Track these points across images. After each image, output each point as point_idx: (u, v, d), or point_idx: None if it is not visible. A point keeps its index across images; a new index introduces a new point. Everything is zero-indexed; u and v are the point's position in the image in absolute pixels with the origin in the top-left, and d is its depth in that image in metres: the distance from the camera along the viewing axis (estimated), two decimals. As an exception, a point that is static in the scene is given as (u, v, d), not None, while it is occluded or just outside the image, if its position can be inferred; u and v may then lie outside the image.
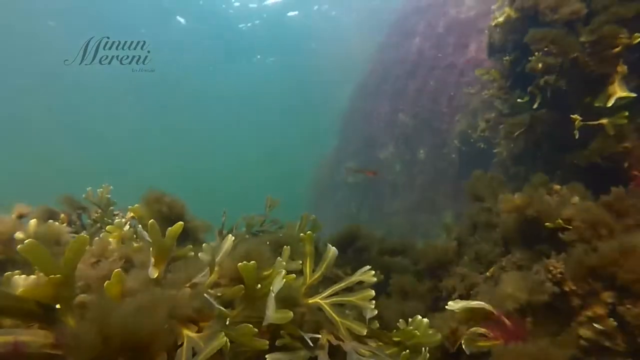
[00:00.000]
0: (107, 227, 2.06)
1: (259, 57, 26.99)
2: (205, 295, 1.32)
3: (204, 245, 1.47)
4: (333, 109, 17.19)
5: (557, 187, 2.67)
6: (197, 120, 34.13)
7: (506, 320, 1.52)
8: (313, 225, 2.78)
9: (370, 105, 12.89)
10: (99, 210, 2.49)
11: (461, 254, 2.82)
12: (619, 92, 2.84)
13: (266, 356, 1.27)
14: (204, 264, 1.51)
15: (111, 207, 2.51)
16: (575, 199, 2.32)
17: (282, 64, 27.15)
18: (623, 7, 2.90)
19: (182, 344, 1.21)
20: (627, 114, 2.83)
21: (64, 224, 2.24)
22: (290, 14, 23.10)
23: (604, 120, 2.92)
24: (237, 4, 21.71)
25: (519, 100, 3.78)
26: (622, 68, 2.88)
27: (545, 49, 3.28)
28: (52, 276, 0.96)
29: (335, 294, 1.56)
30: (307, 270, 1.63)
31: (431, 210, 8.79)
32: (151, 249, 1.41)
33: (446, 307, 1.55)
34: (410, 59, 11.19)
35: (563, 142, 3.49)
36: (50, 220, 2.28)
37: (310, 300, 1.54)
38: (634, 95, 2.82)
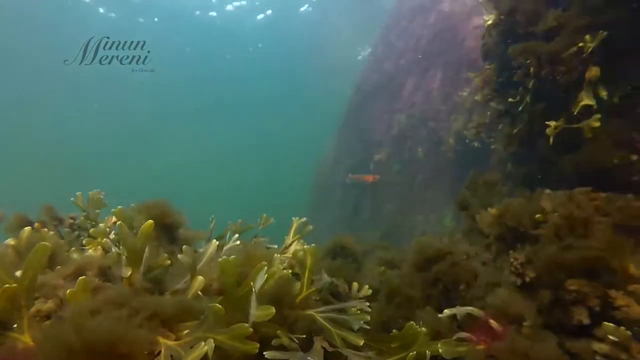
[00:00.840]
0: (91, 231, 1.99)
1: (251, 50, 26.73)
2: (187, 299, 1.26)
3: (184, 247, 1.38)
4: (331, 110, 17.18)
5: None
6: (195, 124, 34.17)
7: (494, 323, 1.45)
8: (302, 229, 2.72)
9: (367, 105, 12.86)
10: (82, 215, 2.42)
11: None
12: (584, 99, 2.90)
13: (264, 353, 1.21)
14: (184, 269, 1.44)
15: (97, 210, 2.44)
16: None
17: (277, 65, 27.18)
18: (583, 19, 2.96)
19: (159, 353, 1.15)
20: (599, 116, 2.85)
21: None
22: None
23: (582, 124, 2.94)
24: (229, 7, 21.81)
25: (510, 100, 3.76)
26: (591, 73, 2.88)
27: (527, 62, 3.33)
28: (7, 286, 0.89)
29: (330, 311, 1.51)
30: (305, 281, 1.60)
31: (429, 210, 8.74)
32: (123, 252, 1.35)
33: (439, 315, 1.49)
34: (405, 58, 11.16)
35: (559, 141, 3.45)
36: (43, 228, 2.22)
37: (305, 312, 1.49)
38: (592, 103, 2.86)
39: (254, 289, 1.25)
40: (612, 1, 2.86)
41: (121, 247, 1.36)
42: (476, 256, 2.34)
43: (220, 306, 1.12)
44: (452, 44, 9.35)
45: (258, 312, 1.21)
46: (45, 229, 2.14)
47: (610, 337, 1.48)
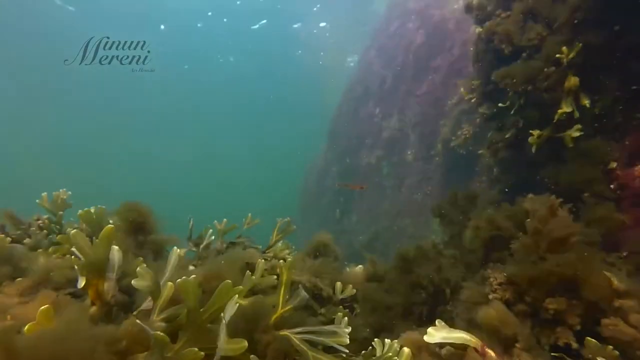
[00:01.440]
0: (57, 238, 1.88)
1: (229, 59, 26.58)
2: (138, 322, 1.16)
3: (138, 269, 1.24)
4: (321, 114, 17.18)
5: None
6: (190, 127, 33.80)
7: (490, 352, 1.39)
8: (285, 229, 2.67)
9: (357, 109, 12.88)
10: (46, 218, 2.30)
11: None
12: (563, 107, 2.96)
13: None
14: (151, 289, 1.34)
15: (60, 212, 2.32)
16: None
17: (267, 70, 27.10)
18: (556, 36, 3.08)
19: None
20: (580, 126, 2.91)
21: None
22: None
23: (564, 134, 2.99)
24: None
25: (500, 104, 3.80)
26: (570, 82, 2.94)
27: (513, 82, 3.43)
28: None
29: (307, 332, 1.44)
30: (281, 299, 1.52)
31: (418, 213, 8.76)
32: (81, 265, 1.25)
33: (424, 337, 1.42)
34: (396, 63, 11.20)
35: (546, 149, 3.47)
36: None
37: (281, 333, 1.42)
38: (570, 110, 2.93)
39: (224, 320, 1.16)
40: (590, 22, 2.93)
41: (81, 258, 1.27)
42: (461, 259, 2.31)
43: (163, 335, 1.03)
44: (442, 50, 9.43)
45: (228, 345, 1.13)
46: (2, 235, 2.02)
47: (599, 358, 1.44)
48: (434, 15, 10.14)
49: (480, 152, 5.92)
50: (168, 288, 1.27)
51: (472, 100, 4.62)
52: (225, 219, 2.68)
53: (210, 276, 1.55)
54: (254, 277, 1.68)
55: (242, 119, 34.02)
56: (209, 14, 21.87)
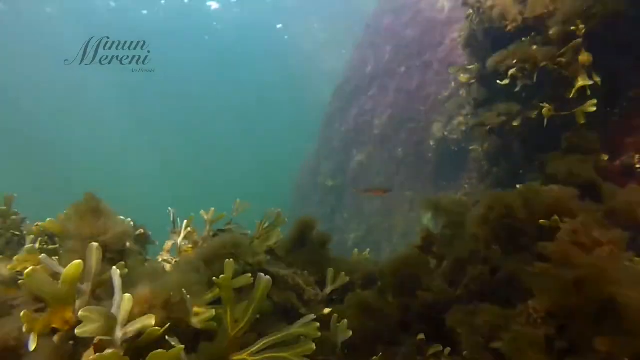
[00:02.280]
0: (15, 258, 1.70)
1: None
2: None
3: (80, 312, 1.11)
4: (311, 113, 17.07)
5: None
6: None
7: None
8: (275, 220, 2.52)
9: (348, 106, 12.81)
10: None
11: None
12: (580, 81, 2.79)
13: None
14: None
15: (13, 217, 2.16)
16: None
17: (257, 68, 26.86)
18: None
19: None
20: (595, 101, 2.77)
21: None
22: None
23: (577, 110, 2.85)
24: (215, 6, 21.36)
25: (498, 82, 3.55)
26: (584, 57, 2.81)
27: (514, 62, 3.30)
28: None
29: (269, 347, 1.32)
30: (228, 320, 1.36)
31: (409, 210, 8.73)
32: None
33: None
34: (386, 59, 11.15)
35: (538, 139, 3.39)
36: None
37: (236, 357, 1.30)
38: (589, 83, 2.78)
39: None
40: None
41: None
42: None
43: None
44: (432, 46, 9.40)
45: None
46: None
47: None
48: (425, 10, 10.11)
49: (471, 147, 5.90)
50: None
51: (471, 83, 4.40)
52: (212, 208, 2.57)
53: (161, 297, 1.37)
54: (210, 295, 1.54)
55: (233, 117, 33.71)
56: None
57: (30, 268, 1.14)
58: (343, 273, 2.20)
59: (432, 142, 8.41)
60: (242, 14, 22.35)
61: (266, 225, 2.48)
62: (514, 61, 3.28)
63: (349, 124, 12.43)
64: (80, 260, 1.20)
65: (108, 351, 1.10)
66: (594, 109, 2.78)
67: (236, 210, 2.70)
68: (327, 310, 2.07)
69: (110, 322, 1.12)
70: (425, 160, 8.71)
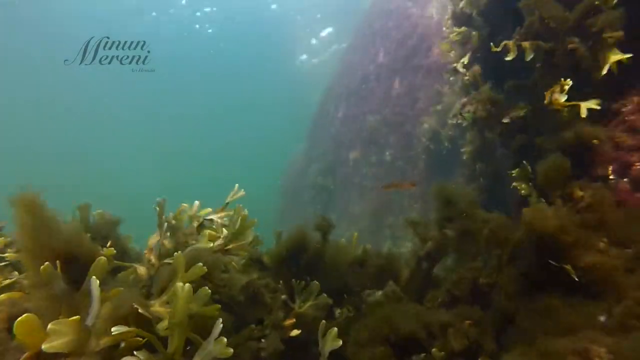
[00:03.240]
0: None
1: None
2: None
3: (49, 326, 1.04)
4: (300, 114, 16.97)
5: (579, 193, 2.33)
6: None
7: None
8: (241, 225, 2.30)
9: (337, 107, 12.80)
10: None
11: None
12: (612, 57, 2.55)
13: None
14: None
15: None
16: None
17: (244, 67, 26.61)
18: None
19: None
20: (599, 101, 2.62)
21: None
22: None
23: (582, 103, 2.63)
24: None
25: (506, 58, 3.13)
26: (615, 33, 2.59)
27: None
28: None
29: None
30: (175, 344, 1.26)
31: (399, 212, 8.74)
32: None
33: None
34: (376, 62, 11.20)
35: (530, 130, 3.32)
36: None
37: None
38: (625, 57, 2.55)
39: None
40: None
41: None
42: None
43: None
44: (421, 50, 9.48)
45: None
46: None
47: None
48: (415, 16, 10.21)
49: (462, 150, 5.90)
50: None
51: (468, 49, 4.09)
52: (197, 202, 2.47)
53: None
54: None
55: (219, 117, 33.28)
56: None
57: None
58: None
59: (421, 145, 8.45)
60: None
61: (236, 226, 2.27)
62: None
63: (338, 125, 12.42)
64: (30, 315, 1.06)
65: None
66: (598, 107, 2.60)
67: (232, 197, 2.61)
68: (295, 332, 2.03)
69: (82, 335, 1.01)
70: (414, 163, 8.75)
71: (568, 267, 1.78)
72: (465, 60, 4.15)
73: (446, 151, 7.66)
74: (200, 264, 1.55)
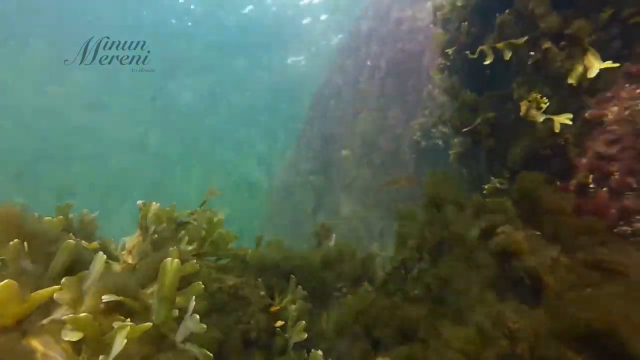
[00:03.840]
0: None
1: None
2: None
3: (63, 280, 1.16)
4: (290, 113, 16.94)
5: None
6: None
7: None
8: (209, 226, 2.44)
9: (329, 108, 12.85)
10: None
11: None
12: (595, 65, 2.62)
13: None
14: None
15: None
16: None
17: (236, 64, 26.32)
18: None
19: None
20: (571, 116, 2.74)
21: None
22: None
23: (556, 117, 2.75)
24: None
25: (471, 56, 3.36)
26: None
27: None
28: None
29: None
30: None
31: (387, 212, 8.85)
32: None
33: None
34: (368, 63, 11.30)
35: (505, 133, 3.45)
36: None
37: None
38: (612, 65, 2.64)
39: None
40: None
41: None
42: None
43: None
44: (412, 54, 9.61)
45: None
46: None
47: None
48: (406, 19, 10.34)
49: (450, 152, 6.04)
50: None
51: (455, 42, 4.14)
52: (173, 202, 2.52)
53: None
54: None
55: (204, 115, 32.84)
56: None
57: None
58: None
59: (411, 147, 8.58)
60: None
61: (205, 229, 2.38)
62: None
63: (329, 125, 12.49)
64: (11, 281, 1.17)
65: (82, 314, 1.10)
66: (570, 122, 2.70)
67: (209, 194, 2.71)
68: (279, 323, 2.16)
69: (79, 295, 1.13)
70: (404, 163, 8.88)
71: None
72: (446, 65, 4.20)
73: (436, 153, 7.81)
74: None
